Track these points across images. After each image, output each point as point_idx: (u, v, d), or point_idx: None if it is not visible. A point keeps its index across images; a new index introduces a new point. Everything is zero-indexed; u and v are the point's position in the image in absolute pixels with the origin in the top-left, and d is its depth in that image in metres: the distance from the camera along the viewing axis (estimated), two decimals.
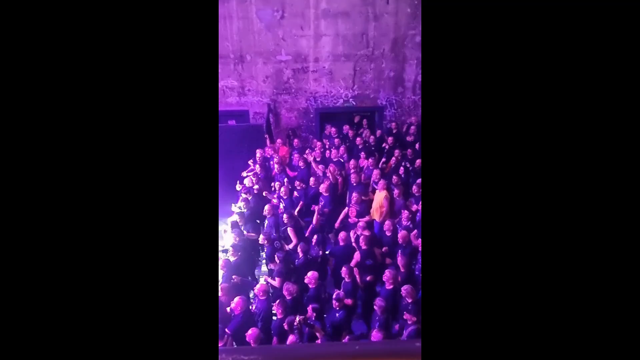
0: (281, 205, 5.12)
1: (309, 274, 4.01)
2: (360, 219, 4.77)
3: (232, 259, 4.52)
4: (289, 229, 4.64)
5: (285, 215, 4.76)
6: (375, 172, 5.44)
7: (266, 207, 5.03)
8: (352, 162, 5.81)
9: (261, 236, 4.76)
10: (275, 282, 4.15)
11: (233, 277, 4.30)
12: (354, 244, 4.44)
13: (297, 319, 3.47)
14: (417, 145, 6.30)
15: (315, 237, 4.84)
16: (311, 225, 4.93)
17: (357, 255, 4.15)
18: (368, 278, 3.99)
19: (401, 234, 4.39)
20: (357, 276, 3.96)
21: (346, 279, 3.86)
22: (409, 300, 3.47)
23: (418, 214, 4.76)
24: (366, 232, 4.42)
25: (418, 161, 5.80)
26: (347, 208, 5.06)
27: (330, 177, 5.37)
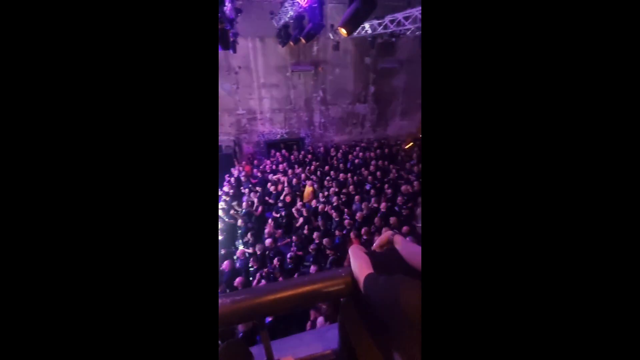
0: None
1: (266, 241, 4.19)
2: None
3: (219, 237, 4.56)
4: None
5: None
6: (302, 175, 6.27)
7: (243, 203, 5.21)
8: (290, 171, 6.50)
9: (239, 220, 4.92)
10: (256, 249, 4.15)
11: (221, 250, 4.34)
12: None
13: (265, 270, 3.66)
14: (322, 158, 7.41)
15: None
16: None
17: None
18: (311, 246, 4.17)
19: (320, 207, 4.95)
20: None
21: (296, 241, 4.25)
22: (328, 245, 4.01)
23: (331, 197, 5.26)
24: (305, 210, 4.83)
25: (327, 167, 6.71)
26: (287, 195, 5.49)
27: (282, 181, 5.93)
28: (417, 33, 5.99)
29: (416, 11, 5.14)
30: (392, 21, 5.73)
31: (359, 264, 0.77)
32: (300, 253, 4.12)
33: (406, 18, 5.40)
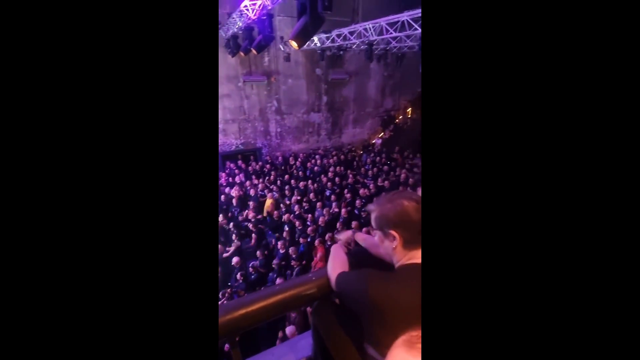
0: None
1: (234, 259, 4.04)
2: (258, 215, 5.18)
3: None
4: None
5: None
6: (261, 185, 6.16)
7: None
8: (247, 182, 6.30)
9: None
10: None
11: None
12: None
13: (228, 290, 3.53)
14: (281, 167, 7.45)
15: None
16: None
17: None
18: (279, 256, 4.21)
19: (285, 216, 4.89)
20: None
21: (260, 257, 4.20)
22: (294, 255, 4.06)
23: (293, 206, 5.27)
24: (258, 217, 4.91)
25: (287, 176, 6.76)
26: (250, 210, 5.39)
27: (236, 194, 5.72)
28: (362, 47, 6.46)
29: (360, 27, 5.56)
30: (338, 35, 6.11)
31: (332, 264, 0.79)
32: (263, 270, 4.06)
33: (351, 33, 5.81)
